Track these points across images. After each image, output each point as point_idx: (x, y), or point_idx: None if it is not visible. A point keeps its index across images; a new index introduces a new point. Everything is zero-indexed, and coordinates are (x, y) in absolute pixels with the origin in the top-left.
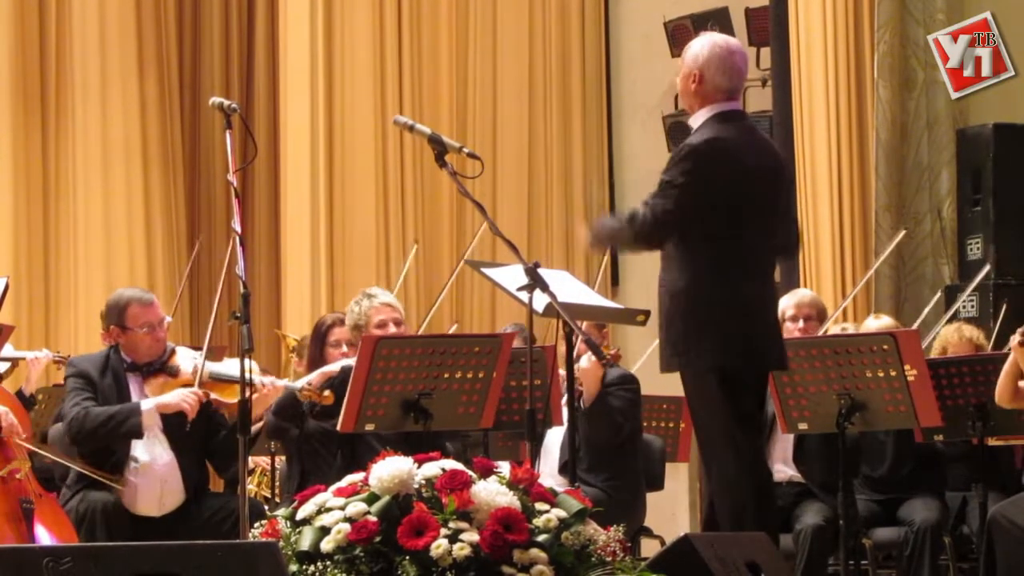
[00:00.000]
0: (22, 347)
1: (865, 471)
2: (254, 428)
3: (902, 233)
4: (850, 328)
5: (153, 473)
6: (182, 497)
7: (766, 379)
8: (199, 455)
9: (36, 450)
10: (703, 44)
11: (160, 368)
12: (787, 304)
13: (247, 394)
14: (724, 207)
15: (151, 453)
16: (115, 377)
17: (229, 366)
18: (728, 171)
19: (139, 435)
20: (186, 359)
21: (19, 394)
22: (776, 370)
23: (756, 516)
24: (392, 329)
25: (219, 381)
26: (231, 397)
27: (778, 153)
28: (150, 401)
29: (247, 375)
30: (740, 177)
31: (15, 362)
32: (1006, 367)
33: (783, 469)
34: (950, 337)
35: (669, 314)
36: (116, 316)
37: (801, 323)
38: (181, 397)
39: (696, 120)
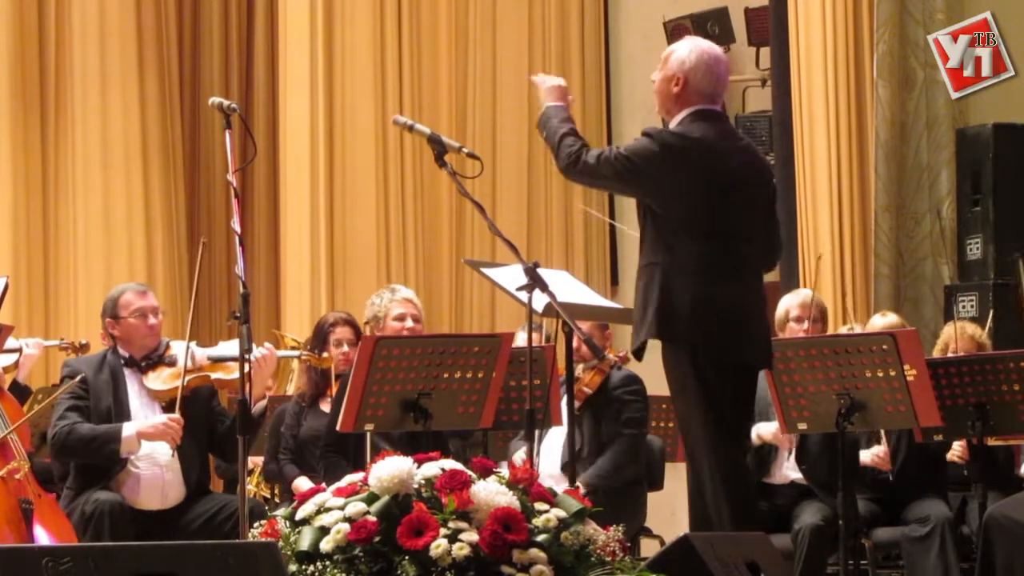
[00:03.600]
0: None
1: (871, 472)
2: (258, 406)
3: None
4: (857, 328)
5: (153, 465)
6: (183, 492)
7: (749, 381)
8: (200, 451)
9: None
10: (690, 49)
11: (157, 360)
12: (790, 304)
13: (247, 391)
14: (693, 203)
15: (152, 447)
16: (112, 374)
17: (224, 348)
18: (698, 166)
19: (116, 461)
20: (182, 350)
21: (14, 383)
22: (758, 369)
23: (726, 522)
24: (410, 323)
25: (218, 362)
26: (234, 373)
27: (759, 155)
28: (132, 427)
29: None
30: (712, 175)
31: (20, 352)
32: None
33: (786, 472)
34: (952, 335)
35: (639, 292)
36: (111, 307)
37: (805, 324)
38: (164, 427)
39: (673, 123)
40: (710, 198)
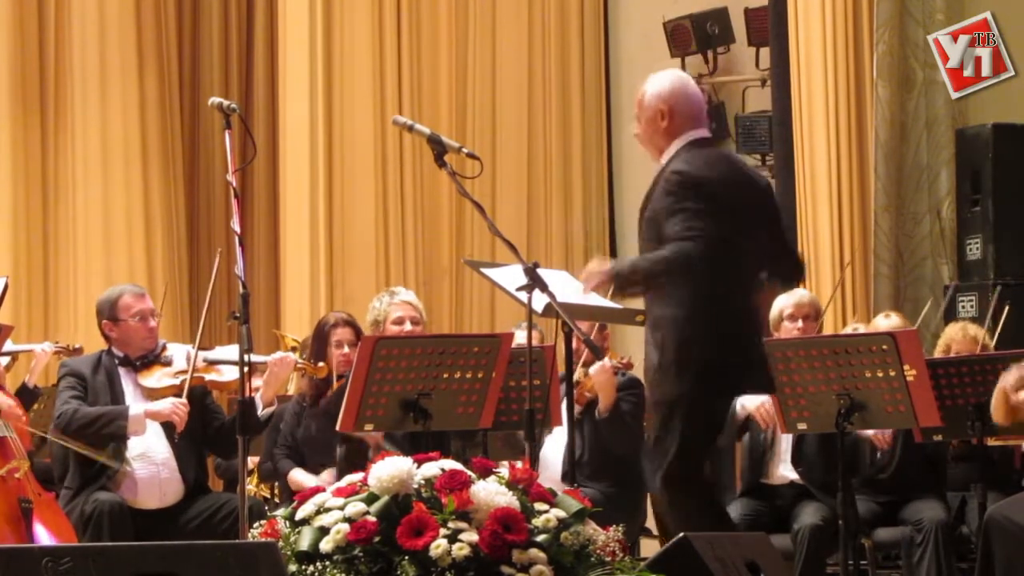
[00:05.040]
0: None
1: (869, 472)
2: (268, 410)
3: None
4: (861, 328)
5: (150, 464)
6: (181, 490)
7: (729, 405)
8: (197, 448)
9: (37, 432)
10: (659, 82)
11: (154, 360)
12: (785, 304)
13: (247, 391)
14: (719, 235)
15: (146, 445)
16: (107, 375)
17: (223, 352)
18: (719, 197)
19: (124, 437)
20: (179, 350)
21: (23, 386)
22: (763, 393)
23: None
24: (408, 326)
25: (215, 363)
26: (224, 375)
27: (755, 173)
28: (140, 407)
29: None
30: (729, 203)
31: (15, 356)
32: (997, 392)
33: (784, 472)
34: (954, 335)
35: (654, 341)
36: (108, 309)
37: (800, 323)
38: (172, 408)
39: (667, 156)
40: (724, 229)
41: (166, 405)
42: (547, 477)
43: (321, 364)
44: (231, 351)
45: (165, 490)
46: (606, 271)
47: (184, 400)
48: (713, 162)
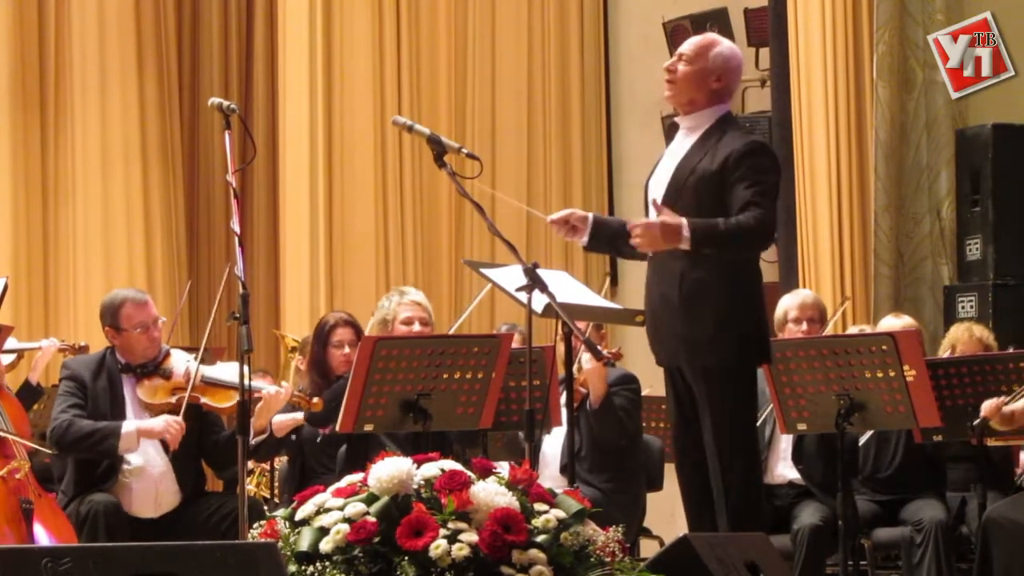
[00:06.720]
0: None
1: (869, 472)
2: (255, 439)
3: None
4: (867, 329)
5: (147, 476)
6: (178, 499)
7: None
8: (194, 457)
9: (34, 446)
10: (729, 50)
11: (154, 370)
12: (790, 305)
13: (246, 395)
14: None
15: (145, 457)
16: (109, 379)
17: (223, 370)
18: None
19: (113, 456)
20: (180, 362)
21: (26, 384)
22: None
23: (762, 512)
24: (417, 327)
25: (212, 385)
26: (224, 401)
27: None
28: (132, 424)
29: (244, 379)
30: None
31: (20, 354)
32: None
33: (784, 472)
34: (960, 336)
35: (698, 307)
36: (110, 317)
37: (804, 325)
38: (165, 426)
39: (708, 115)
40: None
41: (158, 423)
42: (547, 474)
43: (316, 399)
44: (232, 369)
45: (161, 501)
46: (682, 224)
47: (179, 419)
48: None
